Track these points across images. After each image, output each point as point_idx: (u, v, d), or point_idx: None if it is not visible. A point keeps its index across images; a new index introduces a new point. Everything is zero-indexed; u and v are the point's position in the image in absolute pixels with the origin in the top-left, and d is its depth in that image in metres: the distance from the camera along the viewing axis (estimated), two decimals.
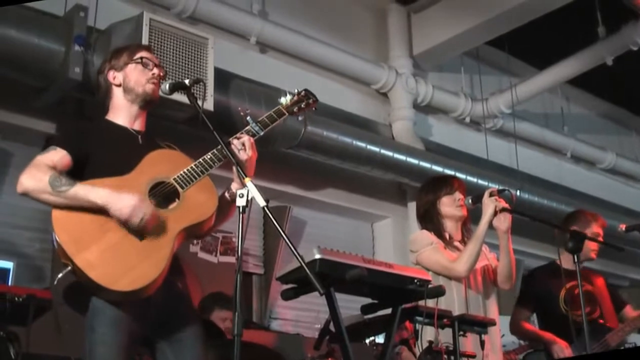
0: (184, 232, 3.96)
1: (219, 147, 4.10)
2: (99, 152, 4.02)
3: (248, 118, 4.35)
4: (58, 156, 3.90)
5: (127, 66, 4.25)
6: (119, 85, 4.24)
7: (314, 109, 4.68)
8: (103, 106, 4.32)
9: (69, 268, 3.67)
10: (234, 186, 4.26)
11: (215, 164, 4.13)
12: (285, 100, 4.56)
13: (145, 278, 3.72)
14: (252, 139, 4.27)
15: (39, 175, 3.77)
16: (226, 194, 4.29)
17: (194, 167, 4.08)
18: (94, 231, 3.75)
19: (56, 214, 3.75)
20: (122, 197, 3.76)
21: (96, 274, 3.63)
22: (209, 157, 4.13)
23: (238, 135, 4.27)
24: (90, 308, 3.75)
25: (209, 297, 7.28)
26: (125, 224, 3.77)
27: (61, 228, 3.72)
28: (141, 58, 4.26)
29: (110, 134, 4.14)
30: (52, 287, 3.85)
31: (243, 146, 4.21)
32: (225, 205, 4.23)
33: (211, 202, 4.08)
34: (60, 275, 3.72)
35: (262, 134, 4.36)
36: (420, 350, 4.86)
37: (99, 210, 3.77)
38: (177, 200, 4.00)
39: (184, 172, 4.04)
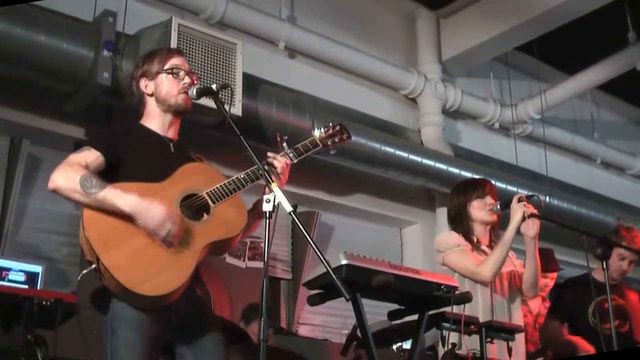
0: (211, 246, 3.97)
1: (254, 167, 4.12)
2: (132, 156, 4.04)
3: (284, 144, 4.37)
4: (92, 157, 3.91)
5: (158, 76, 4.24)
6: (152, 95, 4.25)
7: (345, 144, 4.70)
8: (137, 111, 4.34)
9: (93, 266, 3.69)
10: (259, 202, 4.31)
11: (248, 184, 4.14)
12: (319, 132, 4.56)
13: (168, 286, 3.74)
14: (289, 163, 4.29)
15: (71, 173, 3.78)
16: (256, 209, 4.28)
17: (227, 184, 4.09)
18: (123, 233, 3.76)
19: (87, 212, 3.76)
20: (150, 207, 3.77)
21: (121, 274, 3.64)
22: (242, 176, 4.14)
23: (276, 156, 4.29)
24: (111, 311, 3.77)
25: (253, 307, 7.29)
26: (151, 234, 3.78)
27: (91, 226, 3.73)
28: (172, 68, 4.24)
29: (143, 140, 4.15)
30: (78, 284, 3.84)
31: (282, 169, 4.23)
32: (252, 219, 4.23)
33: (240, 220, 4.10)
34: (84, 271, 3.75)
35: (295, 161, 4.36)
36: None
37: None
38: (207, 214, 4.03)
39: (217, 188, 4.06)
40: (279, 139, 4.40)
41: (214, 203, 4.02)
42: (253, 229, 4.33)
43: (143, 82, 4.27)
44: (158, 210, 3.76)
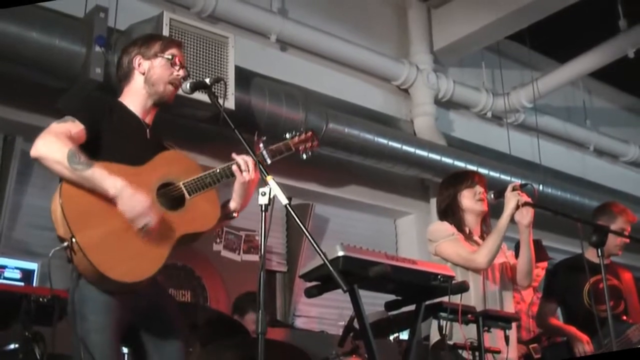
0: (183, 238, 3.99)
1: (230, 163, 4.17)
2: (110, 135, 4.01)
3: (261, 145, 4.38)
4: (75, 129, 3.88)
5: (155, 59, 4.23)
6: (142, 74, 4.22)
7: (315, 150, 4.75)
8: (119, 86, 4.32)
9: (65, 244, 3.66)
10: (232, 205, 4.31)
11: (224, 179, 4.17)
12: (290, 135, 4.59)
13: (140, 274, 3.76)
14: (253, 161, 4.21)
15: (58, 145, 3.75)
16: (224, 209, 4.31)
17: (203, 177, 4.12)
18: (100, 212, 3.75)
19: (67, 187, 3.74)
20: (134, 196, 3.76)
21: (95, 256, 3.62)
22: (218, 171, 4.17)
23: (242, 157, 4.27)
24: (78, 294, 3.74)
25: (245, 298, 7.29)
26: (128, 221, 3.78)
27: (69, 201, 3.71)
28: (172, 56, 4.24)
29: (123, 120, 4.12)
30: (49, 262, 3.84)
31: (247, 167, 4.21)
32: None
33: (214, 215, 4.15)
34: (55, 249, 3.72)
35: (269, 162, 4.38)
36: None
37: None
38: (181, 204, 4.04)
39: (194, 180, 4.08)
40: (256, 138, 4.41)
41: (189, 195, 4.05)
42: (217, 227, 4.37)
43: (137, 60, 4.24)
44: (140, 200, 3.76)
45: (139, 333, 4.01)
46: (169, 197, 4.01)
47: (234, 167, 4.18)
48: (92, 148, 3.92)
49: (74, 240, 3.63)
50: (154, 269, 3.80)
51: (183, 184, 4.05)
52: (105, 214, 3.75)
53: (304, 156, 4.67)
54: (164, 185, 4.02)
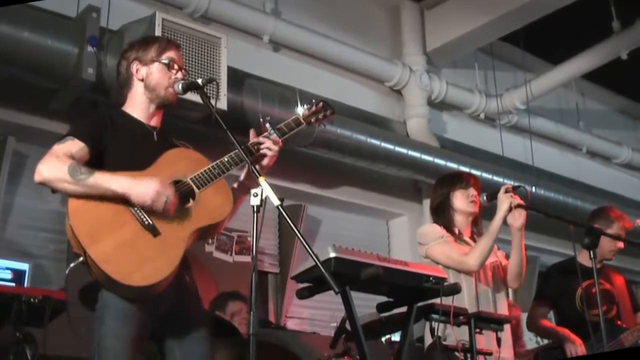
0: (198, 232, 3.98)
1: (237, 150, 4.10)
2: (116, 146, 4.02)
3: (267, 125, 4.37)
4: (76, 148, 3.88)
5: (152, 64, 4.22)
6: (141, 80, 4.22)
7: (331, 121, 4.71)
8: (120, 92, 4.32)
9: (81, 259, 3.68)
10: (243, 176, 4.33)
11: (232, 167, 4.15)
12: (302, 110, 4.57)
13: (158, 275, 3.74)
14: (278, 140, 4.30)
15: (58, 164, 3.76)
16: (234, 185, 4.32)
17: (211, 168, 4.10)
18: (109, 223, 3.75)
19: (73, 203, 3.74)
20: (142, 183, 3.78)
21: (109, 267, 3.63)
22: (226, 159, 4.15)
23: (261, 139, 4.29)
24: (100, 301, 3.75)
25: (221, 296, 7.31)
26: (149, 209, 3.79)
27: (77, 218, 3.71)
28: (169, 61, 4.22)
29: (127, 128, 4.12)
30: (65, 278, 3.82)
31: (275, 145, 4.28)
32: (235, 198, 4.24)
33: (226, 205, 4.12)
34: (72, 265, 3.73)
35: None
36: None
37: (116, 202, 3.79)
38: (192, 199, 4.02)
39: (201, 173, 4.06)
40: (261, 120, 4.41)
41: (198, 189, 4.03)
42: (238, 206, 4.33)
43: (135, 66, 4.23)
44: (150, 184, 3.78)
45: (162, 337, 4.01)
46: (179, 194, 3.98)
47: (262, 146, 4.23)
48: (100, 162, 3.93)
49: (87, 255, 3.63)
50: (169, 269, 3.78)
51: (191, 178, 4.03)
52: (113, 224, 3.76)
53: (320, 127, 4.65)
54: (173, 183, 4.00)
